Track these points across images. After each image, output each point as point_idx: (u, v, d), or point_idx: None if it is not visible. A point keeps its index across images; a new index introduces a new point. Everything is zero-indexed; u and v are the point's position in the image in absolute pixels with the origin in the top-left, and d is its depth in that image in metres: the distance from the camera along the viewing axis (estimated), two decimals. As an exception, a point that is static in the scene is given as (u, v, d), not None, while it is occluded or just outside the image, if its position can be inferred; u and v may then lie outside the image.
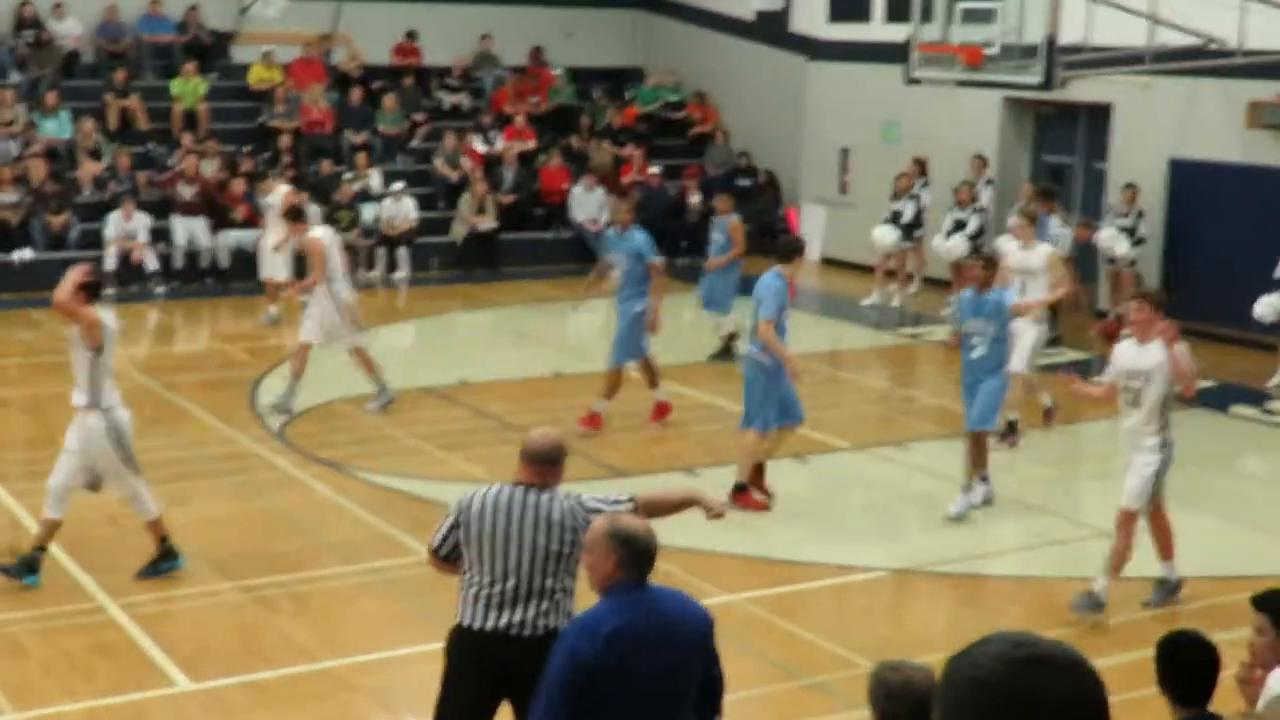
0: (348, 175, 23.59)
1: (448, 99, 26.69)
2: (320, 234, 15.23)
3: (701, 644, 5.53)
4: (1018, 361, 13.00)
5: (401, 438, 14.06)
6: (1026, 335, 13.40)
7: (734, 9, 27.28)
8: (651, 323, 14.06)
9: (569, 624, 5.38)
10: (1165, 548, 10.28)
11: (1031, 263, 13.70)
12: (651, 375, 14.41)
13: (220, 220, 22.09)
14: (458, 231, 23.57)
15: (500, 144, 25.32)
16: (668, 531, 10.94)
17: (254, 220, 22.06)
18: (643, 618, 5.31)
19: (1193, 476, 13.44)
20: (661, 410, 14.51)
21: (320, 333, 14.74)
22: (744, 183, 25.39)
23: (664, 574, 10.38)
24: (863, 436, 14.41)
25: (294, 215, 15.95)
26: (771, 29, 26.39)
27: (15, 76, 24.07)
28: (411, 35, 26.92)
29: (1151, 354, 9.94)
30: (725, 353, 17.37)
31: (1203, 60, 18.19)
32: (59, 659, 9.08)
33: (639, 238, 14.10)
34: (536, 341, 18.91)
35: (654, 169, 25.39)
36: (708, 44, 27.94)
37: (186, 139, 23.16)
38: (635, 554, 5.37)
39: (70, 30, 24.87)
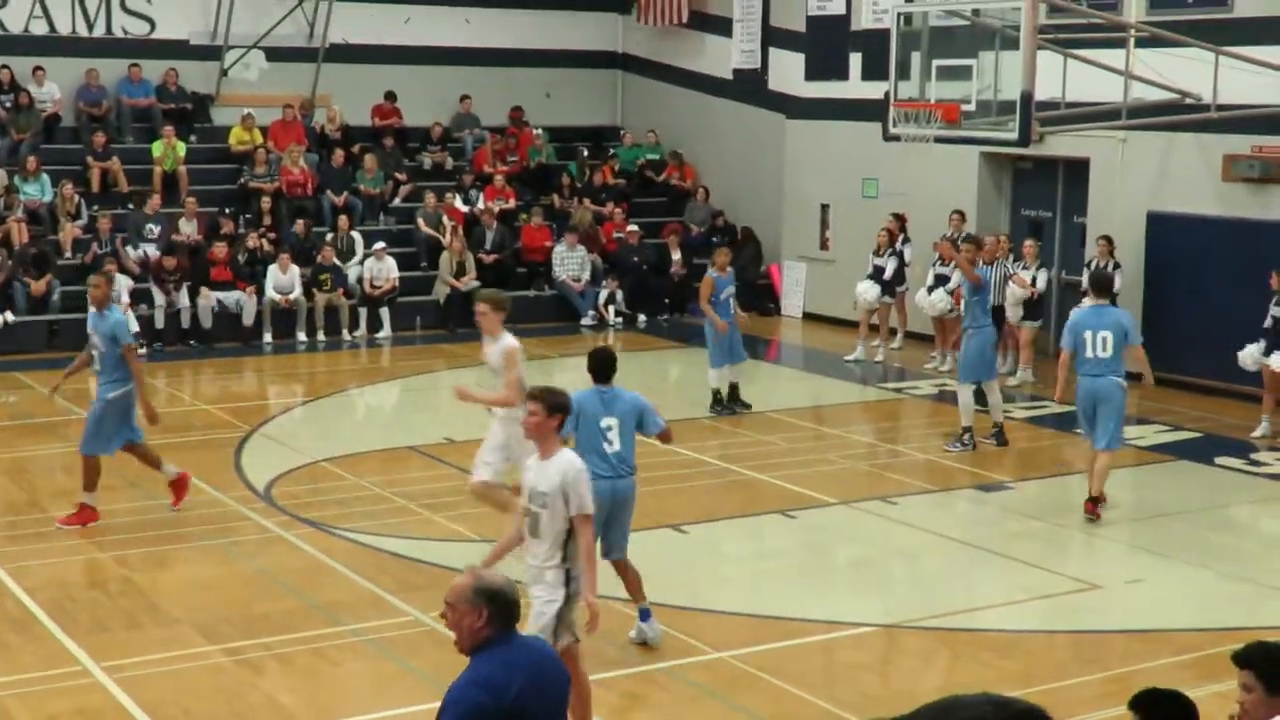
0: (329, 236, 23.63)
1: (428, 159, 26.78)
2: None
3: (566, 684, 5.59)
4: None
5: (388, 497, 14.01)
6: None
7: (711, 68, 27.46)
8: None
9: (456, 687, 5.29)
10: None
11: None
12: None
13: (200, 282, 22.07)
14: (440, 291, 23.59)
15: (481, 203, 25.40)
16: (659, 590, 10.97)
17: (236, 281, 22.10)
18: (515, 669, 5.27)
19: (1180, 529, 13.48)
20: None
21: None
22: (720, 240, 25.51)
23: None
24: (850, 491, 14.40)
25: None
26: (749, 88, 26.57)
27: (-4, 140, 24.11)
28: (390, 96, 27.03)
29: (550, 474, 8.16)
30: (732, 403, 17.53)
31: (1178, 115, 18.34)
32: (44, 724, 9.00)
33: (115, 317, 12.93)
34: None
35: (633, 227, 25.48)
36: (686, 102, 28.11)
37: (154, 201, 23.13)
38: (504, 608, 5.33)
39: (50, 94, 24.94)
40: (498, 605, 5.30)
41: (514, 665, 5.28)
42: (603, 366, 10.26)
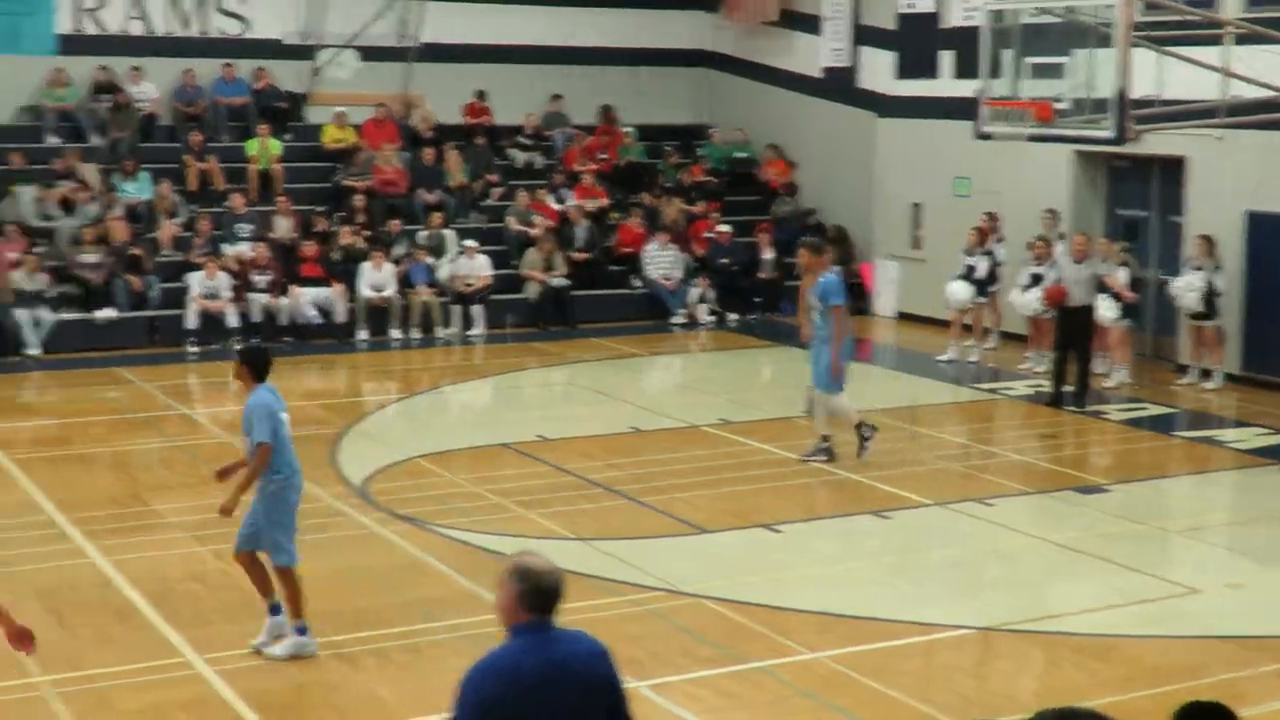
0: (421, 234, 23.83)
1: (520, 157, 26.92)
2: None
3: (601, 684, 5.38)
4: None
5: (482, 494, 14.11)
6: None
7: (801, 66, 27.37)
8: None
9: (473, 665, 5.31)
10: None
11: None
12: None
13: (292, 279, 22.34)
14: (532, 288, 23.71)
15: (571, 201, 25.51)
16: (753, 590, 10.98)
17: (328, 278, 22.36)
18: (535, 658, 5.21)
19: (1274, 534, 13.30)
20: None
21: None
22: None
23: (738, 628, 10.41)
24: (944, 492, 14.32)
25: None
26: (839, 86, 26.46)
27: (95, 140, 24.51)
28: (481, 95, 27.21)
29: None
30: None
31: (1277, 113, 18.06)
32: (147, 713, 9.15)
33: None
34: (613, 397, 18.95)
35: (724, 227, 25.46)
36: (775, 101, 28.04)
37: (239, 199, 23.47)
38: (535, 590, 5.26)
39: (147, 94, 25.32)
40: (529, 586, 5.25)
41: (533, 654, 5.21)
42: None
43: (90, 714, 9.08)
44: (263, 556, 10.09)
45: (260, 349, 10.59)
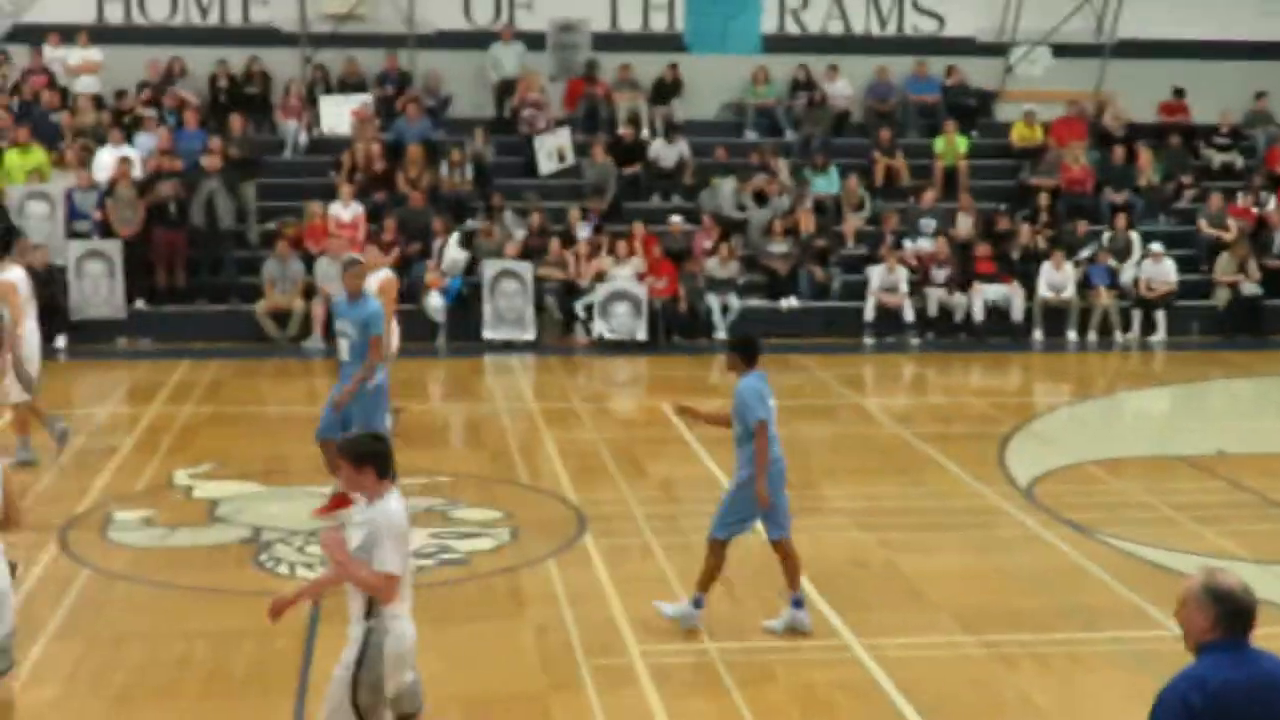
0: (1105, 235, 23.26)
1: (1216, 158, 25.69)
2: (12, 276, 14.11)
3: None
4: None
5: (1153, 505, 13.60)
6: None
7: None
8: None
9: (1172, 680, 5.12)
10: None
11: None
12: None
13: (969, 276, 22.36)
14: (1220, 295, 22.60)
15: (1271, 205, 24.08)
16: None
17: (1003, 276, 22.24)
18: (1246, 676, 5.04)
19: None
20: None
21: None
22: None
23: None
24: None
25: None
26: None
27: (789, 135, 25.51)
28: (1179, 93, 26.17)
29: None
30: None
31: None
32: (806, 689, 9.42)
33: None
34: (1304, 415, 17.79)
35: None
36: None
37: (929, 195, 23.64)
38: (1234, 612, 5.10)
39: (842, 91, 26.05)
40: (1226, 608, 5.13)
41: (1234, 671, 5.07)
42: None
43: (754, 684, 9.45)
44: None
45: (751, 338, 10.73)
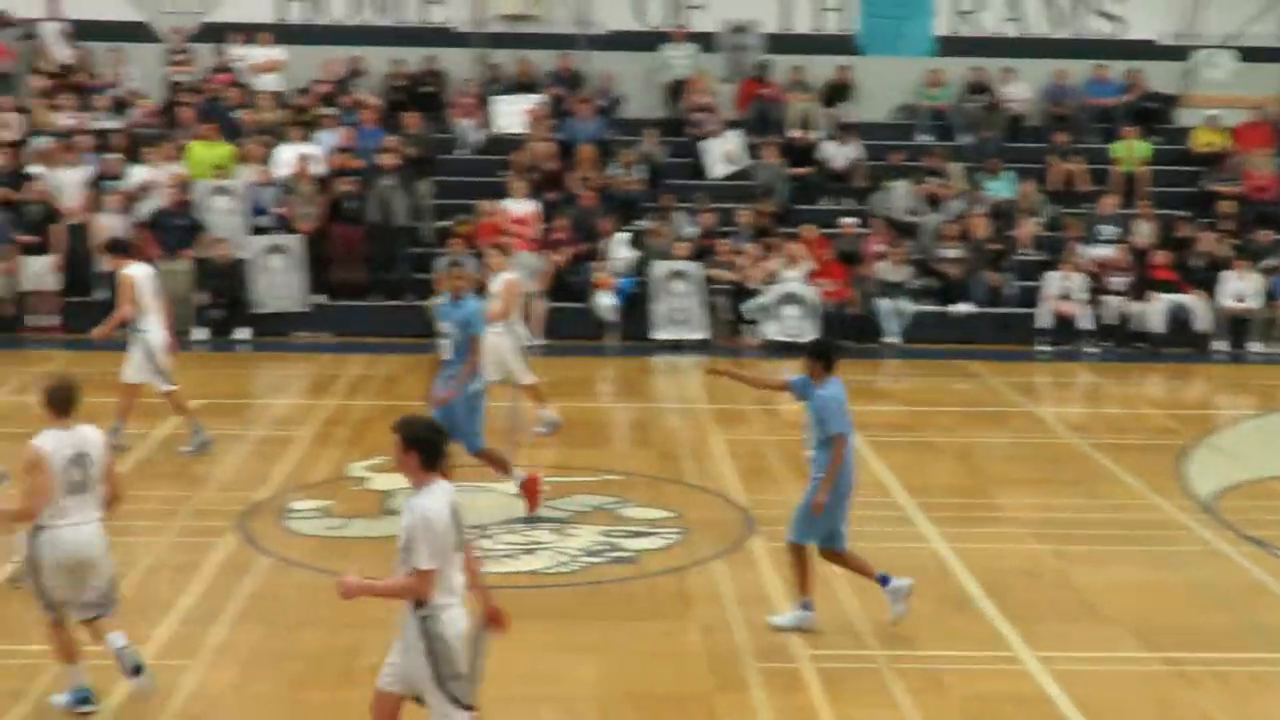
0: (1292, 243, 22.62)
1: None
2: (134, 271, 14.55)
3: None
4: None
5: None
6: None
7: None
8: None
9: None
10: None
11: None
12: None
13: (1146, 284, 21.88)
14: None
15: None
16: None
17: (1183, 285, 21.71)
18: None
19: None
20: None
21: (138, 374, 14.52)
22: None
23: None
24: None
25: (116, 249, 15.21)
26: None
27: (963, 139, 25.17)
28: (1370, 97, 25.35)
29: None
30: None
31: None
32: (977, 700, 9.28)
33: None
34: None
35: None
36: None
37: (1109, 201, 23.22)
38: None
39: (1018, 94, 25.64)
40: None
41: None
42: None
43: (924, 693, 9.34)
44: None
45: (830, 344, 10.63)
